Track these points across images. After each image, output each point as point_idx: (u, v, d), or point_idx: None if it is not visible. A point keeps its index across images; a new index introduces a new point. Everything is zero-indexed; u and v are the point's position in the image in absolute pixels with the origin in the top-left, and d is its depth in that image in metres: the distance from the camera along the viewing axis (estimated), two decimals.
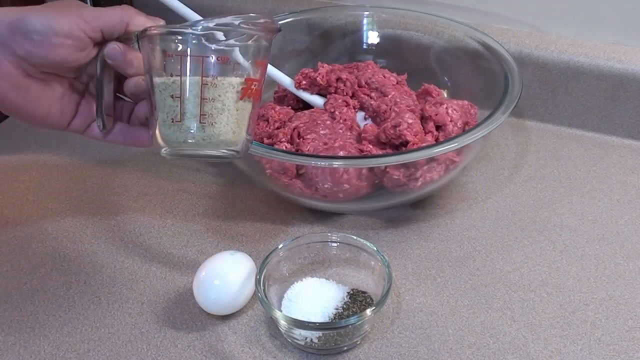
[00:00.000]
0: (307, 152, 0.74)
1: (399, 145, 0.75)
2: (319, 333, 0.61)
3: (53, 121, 0.61)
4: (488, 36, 0.86)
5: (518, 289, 0.69)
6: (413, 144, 0.73)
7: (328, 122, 0.78)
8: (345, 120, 0.79)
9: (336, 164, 0.71)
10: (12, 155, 0.90)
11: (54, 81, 0.60)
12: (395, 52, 0.93)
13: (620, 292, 0.68)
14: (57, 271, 0.72)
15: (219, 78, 0.59)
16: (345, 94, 0.82)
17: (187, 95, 0.59)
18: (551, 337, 0.64)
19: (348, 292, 0.66)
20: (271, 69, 0.84)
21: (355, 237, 0.68)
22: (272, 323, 0.65)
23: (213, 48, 0.59)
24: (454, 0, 0.95)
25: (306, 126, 0.77)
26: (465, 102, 0.80)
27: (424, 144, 0.74)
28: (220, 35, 0.60)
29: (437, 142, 0.75)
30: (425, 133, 0.76)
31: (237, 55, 0.61)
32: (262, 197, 0.82)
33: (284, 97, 0.86)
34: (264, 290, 0.63)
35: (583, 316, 0.66)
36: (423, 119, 0.78)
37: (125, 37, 0.62)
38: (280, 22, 0.93)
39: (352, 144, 0.76)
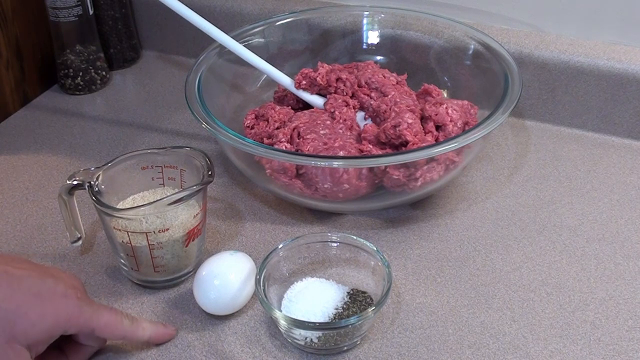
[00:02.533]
0: (307, 152, 0.74)
1: (399, 145, 0.75)
2: (319, 333, 0.61)
3: None
4: (488, 36, 0.86)
5: (518, 289, 0.69)
6: (413, 144, 0.73)
7: (328, 122, 0.78)
8: (345, 120, 0.79)
9: (336, 164, 0.71)
10: (12, 155, 0.90)
11: None
12: (395, 52, 0.93)
13: (620, 292, 0.68)
14: None
15: (163, 242, 0.67)
16: (345, 94, 0.82)
17: (139, 254, 0.67)
18: (551, 337, 0.64)
19: (348, 292, 0.66)
20: (271, 69, 0.84)
21: (355, 237, 0.68)
22: (272, 323, 0.65)
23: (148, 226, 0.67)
24: (454, 0, 0.95)
25: (306, 126, 0.77)
26: (465, 102, 0.80)
27: (424, 144, 0.74)
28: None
29: (437, 142, 0.75)
30: (425, 133, 0.76)
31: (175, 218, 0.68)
32: (262, 197, 0.82)
33: (284, 97, 0.86)
34: (263, 290, 0.63)
35: (583, 316, 0.66)
36: (423, 119, 0.78)
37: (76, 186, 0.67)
38: (280, 22, 0.93)
39: (352, 144, 0.76)
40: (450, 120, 0.77)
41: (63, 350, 0.61)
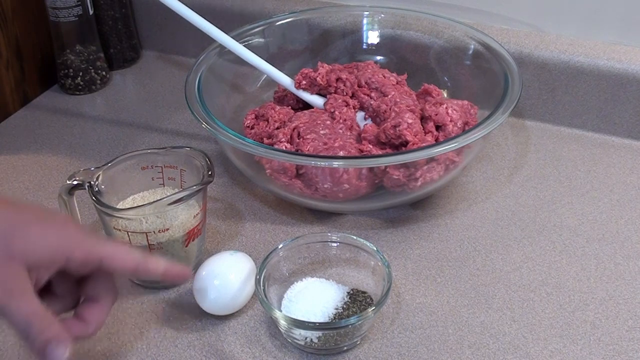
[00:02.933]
0: (307, 152, 0.74)
1: (399, 145, 0.75)
2: (319, 333, 0.61)
3: None
4: (488, 36, 0.86)
5: (518, 289, 0.69)
6: (413, 144, 0.73)
7: (328, 122, 0.78)
8: (345, 120, 0.79)
9: (336, 164, 0.71)
10: (12, 155, 0.90)
11: None
12: (395, 52, 0.93)
13: (620, 292, 0.68)
14: None
15: (163, 242, 0.66)
16: (345, 94, 0.82)
17: None
18: (551, 337, 0.64)
19: (348, 292, 0.66)
20: (271, 69, 0.84)
21: (355, 237, 0.68)
22: (272, 323, 0.65)
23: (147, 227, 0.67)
24: (454, 0, 0.95)
25: (306, 126, 0.77)
26: (465, 102, 0.80)
27: (424, 144, 0.74)
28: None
29: (437, 142, 0.75)
30: (425, 133, 0.76)
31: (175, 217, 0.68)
32: (262, 197, 0.82)
33: (284, 97, 0.86)
34: (263, 290, 0.63)
35: (583, 316, 0.66)
36: (423, 119, 0.78)
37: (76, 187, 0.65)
38: (280, 22, 0.93)
39: (352, 144, 0.76)
40: (450, 120, 0.77)
41: (78, 315, 0.55)
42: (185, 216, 0.68)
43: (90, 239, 0.53)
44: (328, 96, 0.82)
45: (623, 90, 0.87)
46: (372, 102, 0.81)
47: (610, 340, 0.64)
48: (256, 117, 0.83)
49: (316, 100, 0.83)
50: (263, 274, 0.64)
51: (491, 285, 0.70)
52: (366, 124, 0.80)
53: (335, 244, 0.69)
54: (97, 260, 0.52)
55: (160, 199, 0.65)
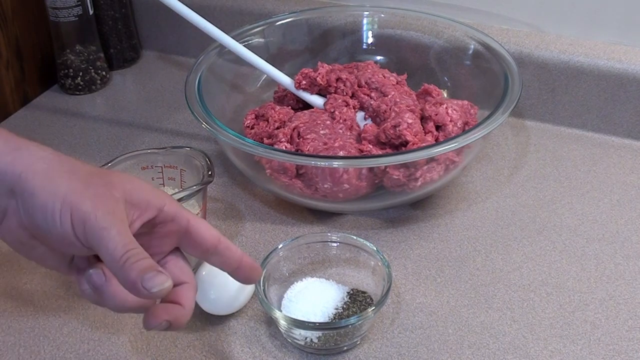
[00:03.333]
0: (307, 152, 0.74)
1: (399, 145, 0.75)
2: (319, 333, 0.61)
3: (63, 272, 0.53)
4: (488, 36, 0.86)
5: (518, 289, 0.69)
6: (413, 144, 0.73)
7: (328, 122, 0.78)
8: (345, 120, 0.79)
9: (336, 164, 0.71)
10: None
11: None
12: (396, 52, 0.93)
13: (620, 292, 0.68)
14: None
15: None
16: (345, 94, 0.82)
17: None
18: (551, 337, 0.64)
19: (348, 292, 0.66)
20: (271, 69, 0.84)
21: (355, 237, 0.68)
22: (272, 323, 0.65)
23: None
24: (454, 0, 0.95)
25: (306, 126, 0.77)
26: (465, 102, 0.80)
27: (423, 144, 0.74)
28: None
29: (437, 142, 0.75)
30: (425, 133, 0.76)
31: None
32: (262, 197, 0.82)
33: (284, 97, 0.86)
34: (264, 290, 0.63)
35: (583, 316, 0.66)
36: (423, 119, 0.78)
37: None
38: (280, 22, 0.93)
39: (352, 144, 0.76)
40: (450, 120, 0.77)
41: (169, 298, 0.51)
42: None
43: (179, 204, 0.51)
44: (328, 96, 0.82)
45: (623, 90, 0.87)
46: (372, 102, 0.81)
47: (610, 340, 0.64)
48: (256, 117, 0.83)
49: (316, 100, 0.83)
50: (263, 274, 0.64)
51: (491, 285, 0.70)
52: (366, 124, 0.80)
53: (335, 244, 0.69)
54: (185, 221, 0.51)
55: None
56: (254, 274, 0.54)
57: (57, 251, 0.50)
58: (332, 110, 0.80)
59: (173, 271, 0.52)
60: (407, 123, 0.74)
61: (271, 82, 0.87)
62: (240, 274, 0.53)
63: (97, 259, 0.49)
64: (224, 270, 0.53)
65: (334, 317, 0.63)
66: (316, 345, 0.62)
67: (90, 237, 0.46)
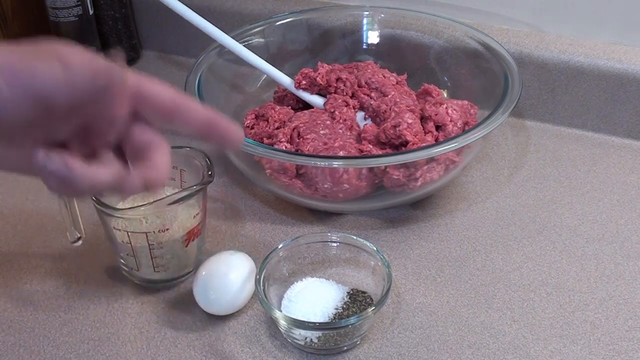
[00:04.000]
0: (307, 152, 0.74)
1: (399, 145, 0.75)
2: (319, 333, 0.61)
3: (25, 169, 0.48)
4: (488, 36, 0.86)
5: (518, 289, 0.69)
6: (413, 144, 0.73)
7: (328, 122, 0.78)
8: (345, 120, 0.79)
9: (336, 164, 0.71)
10: None
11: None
12: (395, 52, 0.93)
13: (620, 292, 0.68)
14: (57, 271, 0.72)
15: (163, 242, 0.67)
16: (345, 94, 0.82)
17: (139, 254, 0.67)
18: (551, 337, 0.64)
19: (348, 292, 0.66)
20: (271, 69, 0.84)
21: (355, 237, 0.68)
22: (272, 323, 0.65)
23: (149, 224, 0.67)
24: (454, 0, 0.95)
25: (306, 126, 0.77)
26: (465, 102, 0.80)
27: (423, 144, 0.74)
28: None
29: (437, 142, 0.75)
30: (425, 133, 0.76)
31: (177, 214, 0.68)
32: (262, 197, 0.82)
33: (284, 97, 0.86)
34: (263, 290, 0.63)
35: (583, 316, 0.66)
36: (423, 119, 0.78)
37: None
38: (280, 22, 0.93)
39: (352, 144, 0.76)
40: (450, 120, 0.77)
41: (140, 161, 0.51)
42: (185, 216, 0.68)
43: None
44: (328, 96, 0.82)
45: (623, 90, 0.87)
46: (372, 102, 0.81)
47: (610, 340, 0.64)
48: (256, 117, 0.83)
49: (316, 100, 0.83)
50: (263, 274, 0.64)
51: (491, 285, 0.70)
52: (366, 124, 0.80)
53: (335, 244, 0.69)
54: (136, 80, 0.50)
55: (160, 199, 0.65)
56: (229, 133, 0.52)
57: (12, 144, 0.46)
58: (332, 110, 0.80)
59: (138, 135, 0.52)
60: (407, 123, 0.74)
61: (271, 82, 0.87)
62: (215, 136, 0.52)
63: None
64: (195, 138, 0.52)
65: (334, 317, 0.63)
66: (316, 345, 0.62)
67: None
